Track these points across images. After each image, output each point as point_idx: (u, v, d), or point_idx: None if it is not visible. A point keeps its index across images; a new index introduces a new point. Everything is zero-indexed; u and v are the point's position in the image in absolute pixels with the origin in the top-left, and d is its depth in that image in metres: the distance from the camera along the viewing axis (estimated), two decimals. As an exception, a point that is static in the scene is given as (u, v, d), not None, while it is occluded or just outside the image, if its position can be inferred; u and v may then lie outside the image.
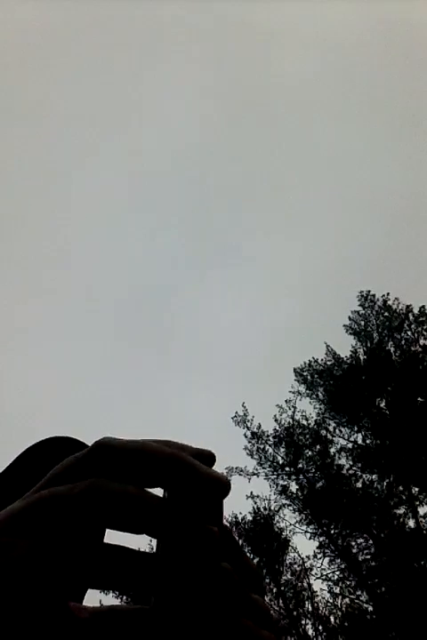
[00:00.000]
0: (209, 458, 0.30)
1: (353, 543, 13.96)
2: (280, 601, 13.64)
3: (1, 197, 32.40)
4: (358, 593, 13.46)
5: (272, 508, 14.74)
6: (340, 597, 13.49)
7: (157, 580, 0.27)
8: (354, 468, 14.84)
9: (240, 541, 14.39)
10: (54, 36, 34.91)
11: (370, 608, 13.09)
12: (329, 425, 15.60)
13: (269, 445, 15.38)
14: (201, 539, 0.27)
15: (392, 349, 15.93)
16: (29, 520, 0.27)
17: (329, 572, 13.74)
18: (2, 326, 30.06)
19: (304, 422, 15.63)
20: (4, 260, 30.69)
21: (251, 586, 0.32)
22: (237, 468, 14.96)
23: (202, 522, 0.27)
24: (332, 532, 14.11)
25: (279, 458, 15.27)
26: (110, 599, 14.62)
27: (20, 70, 35.58)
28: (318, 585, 13.87)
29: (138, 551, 0.28)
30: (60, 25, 33.80)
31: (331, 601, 13.51)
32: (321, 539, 14.12)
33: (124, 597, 14.65)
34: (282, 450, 15.30)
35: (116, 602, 14.70)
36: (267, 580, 13.67)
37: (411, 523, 13.75)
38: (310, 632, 13.25)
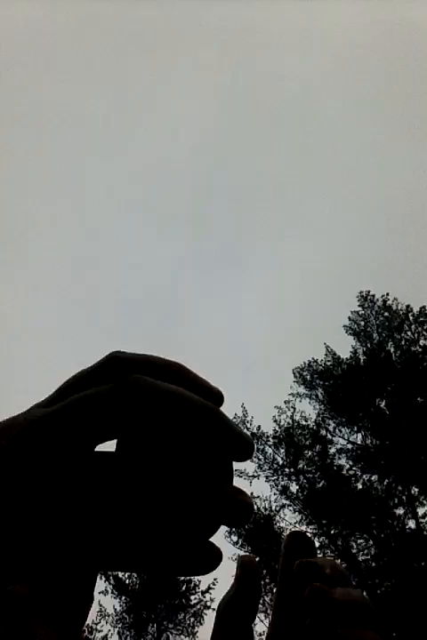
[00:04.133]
0: (216, 397, 0.29)
1: (353, 543, 13.95)
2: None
3: (2, 197, 32.42)
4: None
5: (273, 508, 14.75)
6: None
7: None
8: (354, 469, 14.84)
9: (240, 541, 14.39)
10: (57, 36, 34.93)
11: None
12: (329, 425, 15.59)
13: (269, 446, 15.37)
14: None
15: (392, 349, 15.90)
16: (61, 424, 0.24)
17: (329, 572, 13.72)
18: (1, 326, 30.09)
19: (304, 423, 15.63)
20: (5, 260, 30.71)
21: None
22: (236, 470, 14.97)
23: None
24: (332, 532, 14.10)
25: (279, 459, 15.27)
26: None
27: (22, 70, 35.60)
28: (317, 585, 13.85)
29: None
30: (63, 25, 33.83)
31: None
32: (321, 539, 14.11)
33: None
34: (282, 451, 15.29)
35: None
36: (267, 580, 13.67)
37: (411, 523, 13.75)
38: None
